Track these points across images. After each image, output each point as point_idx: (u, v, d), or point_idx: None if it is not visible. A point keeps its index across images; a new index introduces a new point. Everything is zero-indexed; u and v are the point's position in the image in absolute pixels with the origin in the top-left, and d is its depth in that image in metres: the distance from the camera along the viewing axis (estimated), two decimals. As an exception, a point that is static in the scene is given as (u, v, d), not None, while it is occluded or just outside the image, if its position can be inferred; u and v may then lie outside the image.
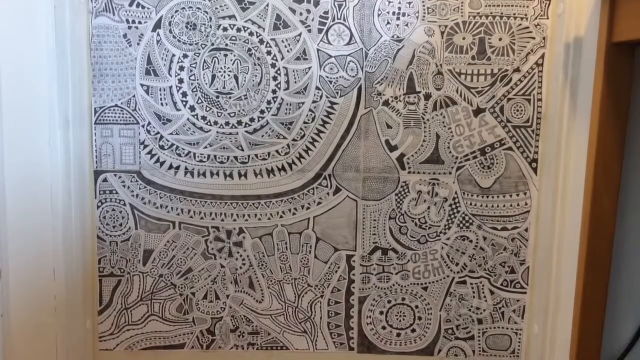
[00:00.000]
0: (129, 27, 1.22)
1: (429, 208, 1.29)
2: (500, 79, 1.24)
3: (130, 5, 1.22)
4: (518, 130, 1.26)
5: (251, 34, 1.23)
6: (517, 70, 1.24)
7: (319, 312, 1.32)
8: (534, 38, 1.23)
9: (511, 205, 1.28)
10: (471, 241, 1.29)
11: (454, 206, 1.28)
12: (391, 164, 1.27)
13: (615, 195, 1.08)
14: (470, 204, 1.28)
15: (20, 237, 1.15)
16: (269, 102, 1.26)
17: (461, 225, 1.29)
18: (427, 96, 1.25)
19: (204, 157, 1.27)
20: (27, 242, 1.16)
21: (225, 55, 1.24)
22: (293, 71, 1.25)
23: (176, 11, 1.22)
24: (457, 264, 1.30)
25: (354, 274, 1.31)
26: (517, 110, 1.25)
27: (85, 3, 1.21)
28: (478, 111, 1.26)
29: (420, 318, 1.32)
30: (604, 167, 1.07)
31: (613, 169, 1.07)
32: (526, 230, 1.28)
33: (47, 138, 1.17)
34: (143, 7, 1.22)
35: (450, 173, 1.27)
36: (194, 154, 1.27)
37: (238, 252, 1.30)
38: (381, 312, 1.32)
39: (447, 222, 1.29)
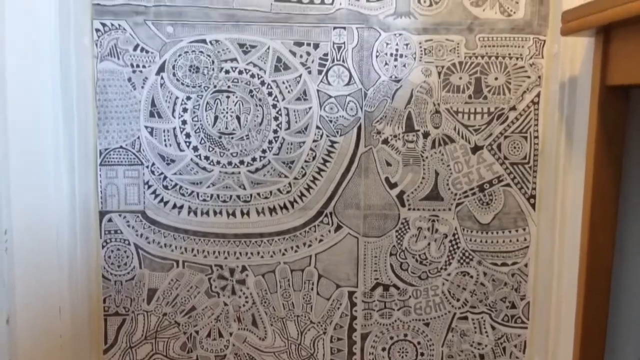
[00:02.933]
0: (134, 71, 1.25)
1: (429, 244, 1.30)
2: (497, 117, 1.27)
3: (135, 49, 1.25)
4: (516, 167, 1.28)
5: (253, 76, 1.26)
6: (514, 108, 1.27)
7: (322, 349, 1.33)
8: (529, 77, 1.26)
9: (510, 241, 1.29)
10: (472, 277, 1.30)
11: (454, 242, 1.30)
12: (391, 201, 1.29)
13: (612, 232, 1.09)
14: (470, 240, 1.30)
15: (27, 278, 1.16)
16: (270, 142, 1.28)
17: (462, 261, 1.30)
18: (426, 134, 1.28)
19: (207, 196, 1.29)
20: (34, 282, 1.18)
21: (228, 97, 1.27)
22: (294, 111, 1.27)
23: (179, 55, 1.25)
24: (458, 300, 1.31)
25: (356, 311, 1.32)
26: (515, 148, 1.28)
27: (91, 48, 1.24)
28: (476, 149, 1.28)
29: (422, 354, 1.33)
30: (600, 206, 1.08)
31: (609, 208, 1.08)
32: (526, 265, 1.30)
33: (53, 180, 1.20)
34: (147, 51, 1.25)
35: (449, 209, 1.29)
36: (198, 193, 1.29)
37: (241, 290, 1.31)
38: (383, 349, 1.33)
39: (448, 258, 1.30)
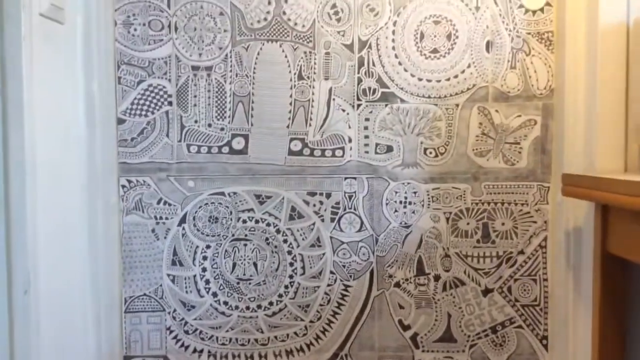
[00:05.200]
0: (157, 223, 1.33)
1: (444, 386, 1.32)
2: (506, 260, 1.31)
3: (158, 203, 1.33)
4: (527, 309, 1.31)
5: (268, 224, 1.33)
6: (522, 252, 1.30)
7: None
8: (535, 222, 1.30)
9: (525, 383, 1.31)
10: (488, 419, 1.31)
11: (468, 384, 1.32)
12: (405, 343, 1.32)
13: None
14: (485, 382, 1.31)
15: None
16: (286, 287, 1.33)
17: (477, 402, 1.32)
18: (437, 277, 1.32)
19: (226, 340, 1.34)
20: None
21: (245, 245, 1.33)
22: (308, 257, 1.33)
23: (200, 207, 1.33)
24: None
25: None
26: (525, 290, 1.31)
27: (117, 203, 1.33)
28: (487, 291, 1.31)
29: None
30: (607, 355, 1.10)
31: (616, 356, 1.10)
32: (542, 407, 1.30)
33: (80, 328, 1.26)
34: (170, 204, 1.33)
35: (463, 351, 1.31)
36: (217, 337, 1.34)
37: None
38: None
39: (463, 400, 1.32)
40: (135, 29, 1.30)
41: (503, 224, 1.31)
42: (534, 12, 1.29)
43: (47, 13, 1.08)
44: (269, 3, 1.30)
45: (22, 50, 1.02)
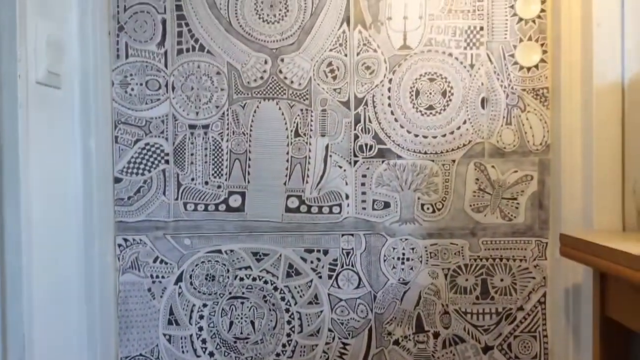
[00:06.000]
0: (153, 282, 1.32)
1: None
2: (505, 317, 1.29)
3: (155, 261, 1.32)
4: (527, 366, 1.29)
5: (266, 282, 1.32)
6: (521, 308, 1.29)
7: None
8: (534, 278, 1.29)
9: None
10: None
11: None
12: (405, 402, 1.30)
13: None
14: None
15: None
16: (284, 345, 1.32)
17: None
18: (436, 335, 1.31)
19: (224, 401, 1.32)
20: None
21: (242, 303, 1.32)
22: (306, 315, 1.32)
23: (196, 265, 1.32)
24: None
25: None
26: (525, 347, 1.29)
27: (113, 263, 1.32)
28: (487, 348, 1.30)
29: None
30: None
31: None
32: None
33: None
34: (166, 263, 1.32)
35: (464, 410, 1.30)
36: (214, 398, 1.32)
37: None
38: None
39: None
40: (132, 89, 1.30)
41: (502, 280, 1.30)
42: (529, 68, 1.30)
43: (43, 80, 1.08)
44: (266, 62, 1.31)
45: (18, 118, 1.02)
